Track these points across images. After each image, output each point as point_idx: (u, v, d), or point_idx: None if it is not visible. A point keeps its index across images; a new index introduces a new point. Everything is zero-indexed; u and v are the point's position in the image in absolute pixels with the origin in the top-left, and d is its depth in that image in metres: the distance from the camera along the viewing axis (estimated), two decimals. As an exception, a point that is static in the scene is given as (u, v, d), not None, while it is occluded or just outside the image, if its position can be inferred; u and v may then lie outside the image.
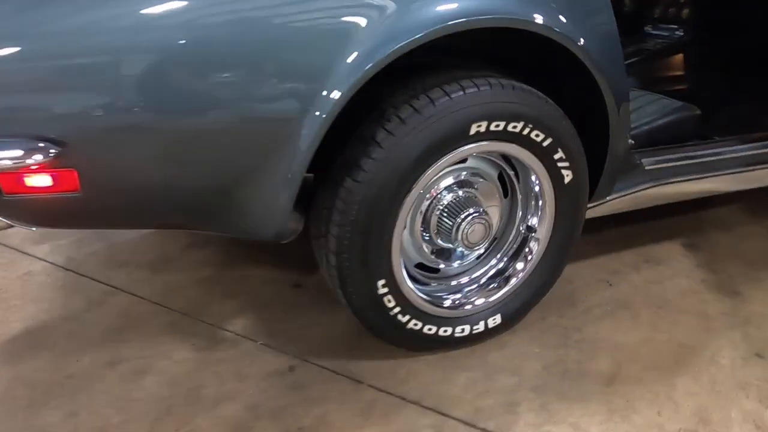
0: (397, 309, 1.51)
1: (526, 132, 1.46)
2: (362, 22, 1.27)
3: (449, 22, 1.33)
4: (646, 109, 2.18)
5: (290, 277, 1.97)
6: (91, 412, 1.46)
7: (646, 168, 1.87)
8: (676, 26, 2.71)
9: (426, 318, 1.56)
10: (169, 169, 1.28)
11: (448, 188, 1.56)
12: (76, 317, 1.81)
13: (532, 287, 1.68)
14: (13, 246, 2.17)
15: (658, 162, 1.91)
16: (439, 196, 1.55)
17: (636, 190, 1.85)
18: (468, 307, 1.61)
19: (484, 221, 1.54)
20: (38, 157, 1.17)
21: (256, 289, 1.92)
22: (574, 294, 1.91)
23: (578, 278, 2.00)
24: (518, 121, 1.44)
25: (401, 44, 1.28)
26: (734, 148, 2.05)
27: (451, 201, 1.55)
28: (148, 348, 1.67)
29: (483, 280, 1.66)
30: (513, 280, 1.66)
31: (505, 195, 1.67)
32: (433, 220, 1.55)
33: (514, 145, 1.48)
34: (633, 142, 1.78)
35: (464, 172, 1.59)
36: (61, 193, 1.24)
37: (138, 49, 1.16)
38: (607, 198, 1.81)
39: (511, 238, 1.69)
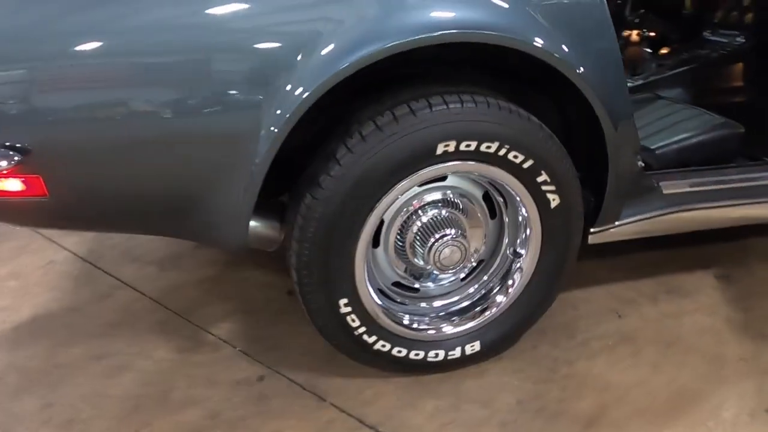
0: (363, 329, 1.47)
1: (502, 153, 1.37)
2: (341, 16, 1.24)
3: (439, 32, 1.27)
4: (684, 125, 1.99)
5: (287, 283, 1.97)
6: (66, 404, 1.53)
7: (665, 192, 1.72)
8: (737, 32, 2.45)
9: (395, 340, 1.51)
10: (130, 174, 1.28)
11: (431, 205, 1.50)
12: (80, 308, 1.90)
13: (516, 316, 1.58)
14: (46, 235, 2.31)
15: (678, 186, 1.75)
16: (418, 213, 1.49)
17: (652, 215, 1.70)
18: (431, 332, 1.54)
19: (458, 244, 1.46)
20: (3, 164, 1.22)
21: (251, 293, 1.94)
22: (576, 322, 1.79)
23: (586, 305, 1.86)
24: (492, 141, 1.35)
25: (384, 47, 1.22)
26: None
27: (428, 220, 1.48)
28: (135, 345, 1.73)
29: (453, 309, 1.59)
30: (488, 313, 1.56)
31: (493, 216, 1.58)
32: (409, 238, 1.49)
33: (490, 166, 1.39)
34: (643, 164, 1.63)
35: (449, 191, 1.52)
36: (31, 197, 1.29)
37: (90, 56, 1.18)
38: (617, 223, 1.67)
39: (497, 263, 1.60)
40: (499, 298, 1.56)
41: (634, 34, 2.71)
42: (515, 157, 1.38)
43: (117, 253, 2.19)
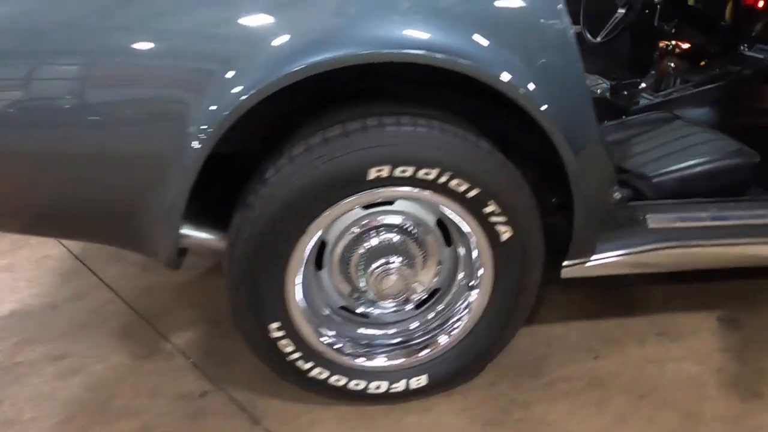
0: (297, 355, 1.41)
1: (443, 181, 1.27)
2: (303, 15, 1.20)
3: (402, 50, 1.20)
4: (693, 151, 1.81)
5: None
6: (13, 403, 1.55)
7: (650, 226, 1.56)
8: (776, 48, 2.21)
9: (334, 367, 1.45)
10: (59, 179, 1.26)
11: (386, 229, 1.42)
12: (57, 306, 1.94)
13: (465, 356, 1.48)
14: (48, 228, 2.38)
15: (668, 220, 1.59)
16: (369, 234, 1.42)
17: (633, 251, 1.55)
18: (359, 360, 1.45)
19: (402, 274, 1.38)
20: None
21: (218, 302, 1.92)
22: (546, 360, 1.66)
23: (562, 342, 1.73)
24: (432, 168, 1.25)
25: (343, 54, 1.17)
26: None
27: (376, 244, 1.41)
28: (95, 348, 1.74)
29: (387, 342, 1.50)
30: (425, 351, 1.47)
31: (449, 244, 1.48)
32: (354, 260, 1.42)
33: (432, 194, 1.29)
34: (620, 195, 1.49)
35: (407, 217, 1.43)
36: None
37: (17, 61, 1.17)
38: (593, 257, 1.54)
39: (451, 297, 1.50)
40: (441, 339, 1.46)
41: (663, 47, 2.53)
42: (459, 185, 1.28)
43: (106, 251, 2.22)
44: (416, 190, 1.29)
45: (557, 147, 1.30)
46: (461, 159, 1.27)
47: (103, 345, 1.76)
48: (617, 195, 1.48)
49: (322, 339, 1.42)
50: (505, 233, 1.34)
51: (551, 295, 1.89)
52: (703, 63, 2.47)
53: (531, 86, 1.26)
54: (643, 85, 2.48)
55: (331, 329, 1.46)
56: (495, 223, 1.33)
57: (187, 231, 1.37)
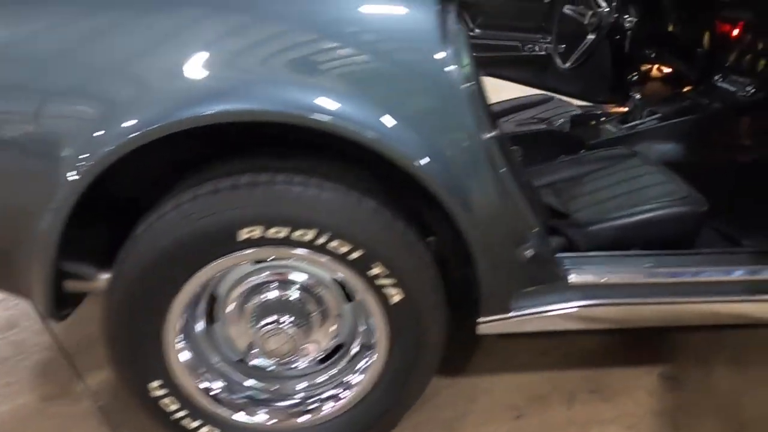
0: (182, 413, 1.35)
1: (321, 242, 1.19)
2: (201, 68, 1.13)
3: (311, 115, 1.14)
4: (639, 196, 1.70)
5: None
6: None
7: (570, 282, 1.46)
8: (749, 80, 2.06)
9: (225, 426, 1.38)
10: None
11: (288, 285, 1.35)
12: (-15, 338, 1.93)
13: (360, 420, 1.39)
14: None
15: (590, 275, 1.47)
16: (268, 286, 1.35)
17: (555, 309, 1.45)
18: (244, 414, 1.38)
19: (291, 336, 1.31)
20: None
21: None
22: (464, 419, 1.57)
23: (486, 397, 1.64)
24: (309, 229, 1.18)
25: (252, 108, 1.12)
26: (728, 268, 1.51)
27: (272, 299, 1.34)
28: (7, 386, 1.71)
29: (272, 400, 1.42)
30: (306, 417, 1.39)
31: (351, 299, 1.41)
32: (247, 310, 1.36)
33: (312, 255, 1.22)
34: (533, 252, 1.38)
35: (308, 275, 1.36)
36: None
37: None
38: (510, 314, 1.44)
39: (351, 355, 1.42)
40: (326, 407, 1.39)
41: (639, 73, 2.42)
42: (339, 246, 1.20)
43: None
44: (298, 250, 1.21)
45: (452, 215, 1.21)
46: (341, 219, 1.19)
47: (17, 383, 1.72)
48: (529, 253, 1.37)
49: (205, 389, 1.35)
50: (395, 296, 1.26)
51: (486, 343, 1.80)
52: (677, 91, 2.36)
53: (425, 160, 1.18)
54: (621, 110, 2.38)
55: (219, 383, 1.39)
56: (383, 286, 1.24)
57: (85, 273, 1.32)
